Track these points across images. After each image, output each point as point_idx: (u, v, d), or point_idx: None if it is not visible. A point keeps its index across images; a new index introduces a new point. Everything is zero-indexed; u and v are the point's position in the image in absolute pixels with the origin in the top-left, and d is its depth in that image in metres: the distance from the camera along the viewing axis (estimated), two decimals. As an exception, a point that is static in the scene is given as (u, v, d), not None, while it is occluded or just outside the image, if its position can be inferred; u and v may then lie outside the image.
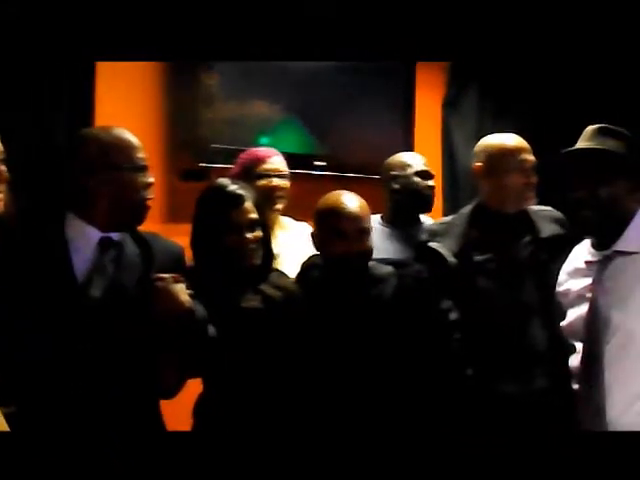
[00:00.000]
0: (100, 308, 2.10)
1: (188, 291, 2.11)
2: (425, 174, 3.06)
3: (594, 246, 2.20)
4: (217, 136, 3.37)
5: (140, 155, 2.16)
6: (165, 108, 3.49)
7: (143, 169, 2.16)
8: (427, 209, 2.98)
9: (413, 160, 3.12)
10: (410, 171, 3.07)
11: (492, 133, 3.04)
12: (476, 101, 4.30)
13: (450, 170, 4.22)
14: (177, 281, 2.09)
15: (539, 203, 2.67)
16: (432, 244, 2.70)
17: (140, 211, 2.18)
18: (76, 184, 2.14)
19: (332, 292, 2.41)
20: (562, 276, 2.33)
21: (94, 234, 2.11)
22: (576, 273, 2.26)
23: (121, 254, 2.18)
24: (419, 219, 3.07)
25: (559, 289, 2.32)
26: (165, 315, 2.09)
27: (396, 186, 2.96)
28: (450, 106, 4.27)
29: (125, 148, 2.15)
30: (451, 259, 2.58)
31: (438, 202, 3.99)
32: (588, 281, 2.16)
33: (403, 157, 3.14)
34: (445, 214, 3.96)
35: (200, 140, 3.36)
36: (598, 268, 2.15)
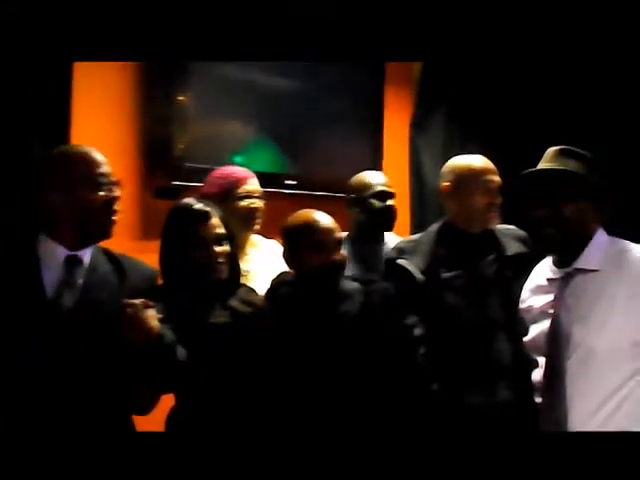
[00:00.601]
0: (69, 322, 2.10)
1: (158, 316, 2.13)
2: (383, 195, 3.09)
3: (555, 264, 2.24)
4: (191, 155, 3.34)
5: (103, 170, 2.15)
6: (140, 126, 3.43)
7: (106, 184, 2.15)
8: (387, 228, 3.01)
9: (372, 180, 3.15)
10: (368, 192, 3.11)
11: (458, 154, 3.07)
12: (443, 122, 4.35)
13: (417, 189, 4.25)
14: (147, 306, 2.11)
15: (503, 222, 2.70)
16: (400, 261, 2.73)
17: (104, 226, 2.18)
18: (42, 203, 2.15)
19: (301, 307, 2.44)
20: (525, 293, 2.37)
21: (61, 252, 2.13)
22: (538, 290, 2.31)
23: (92, 272, 2.19)
24: (382, 238, 3.10)
25: (522, 305, 2.35)
26: (134, 340, 2.10)
27: (356, 208, 3.01)
28: (417, 127, 4.30)
29: (86, 164, 2.15)
30: (419, 276, 2.63)
31: (405, 219, 4.14)
32: (550, 297, 2.19)
33: (363, 178, 3.18)
34: (412, 231, 4.00)
35: (174, 159, 3.31)
36: (560, 285, 2.19)
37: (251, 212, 2.88)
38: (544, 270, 2.33)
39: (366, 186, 3.13)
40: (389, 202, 3.10)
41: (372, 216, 2.92)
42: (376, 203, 3.08)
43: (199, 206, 2.33)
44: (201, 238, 2.28)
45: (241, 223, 2.76)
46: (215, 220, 2.31)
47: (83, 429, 2.12)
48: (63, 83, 3.07)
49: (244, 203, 2.87)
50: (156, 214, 3.01)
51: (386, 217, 3.04)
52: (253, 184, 2.94)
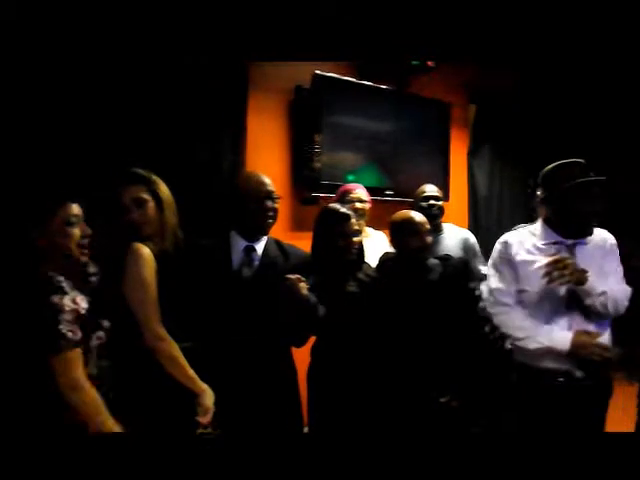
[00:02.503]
0: (247, 287, 2.49)
1: (307, 286, 2.39)
2: (428, 198, 3.44)
3: (563, 235, 2.47)
4: (323, 175, 3.70)
5: (268, 189, 2.51)
6: (291, 156, 3.81)
7: (269, 199, 2.51)
8: (430, 221, 2.86)
9: (424, 189, 3.50)
10: (419, 197, 3.48)
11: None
12: (489, 152, 4.71)
13: (473, 196, 4.62)
14: (299, 280, 2.38)
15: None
16: None
17: (262, 226, 2.54)
18: (236, 208, 2.55)
19: (399, 276, 2.65)
20: (526, 254, 2.50)
21: (242, 243, 2.54)
22: (541, 252, 2.48)
23: (266, 253, 2.55)
24: (436, 229, 3.31)
25: (532, 263, 2.46)
26: (290, 302, 2.37)
27: (415, 209, 3.11)
28: (472, 155, 4.70)
29: (257, 184, 2.52)
30: None
31: (465, 217, 4.52)
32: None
33: (418, 188, 3.53)
34: (470, 225, 4.51)
35: (313, 178, 3.69)
36: (569, 248, 2.46)
37: (356, 211, 2.98)
38: (529, 240, 2.54)
39: (418, 193, 3.52)
40: (432, 202, 3.43)
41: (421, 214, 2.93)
42: (422, 204, 3.42)
43: (343, 210, 2.60)
44: (345, 232, 2.53)
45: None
46: (353, 220, 2.57)
47: (263, 359, 2.46)
48: (240, 129, 3.49)
49: (352, 205, 3.16)
50: (303, 215, 3.72)
51: (430, 214, 3.17)
52: (357, 193, 3.31)
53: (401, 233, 2.68)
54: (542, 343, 2.44)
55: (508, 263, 2.57)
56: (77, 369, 1.85)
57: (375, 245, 3.19)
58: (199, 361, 2.26)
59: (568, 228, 2.51)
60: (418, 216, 2.70)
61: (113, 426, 1.86)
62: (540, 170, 2.61)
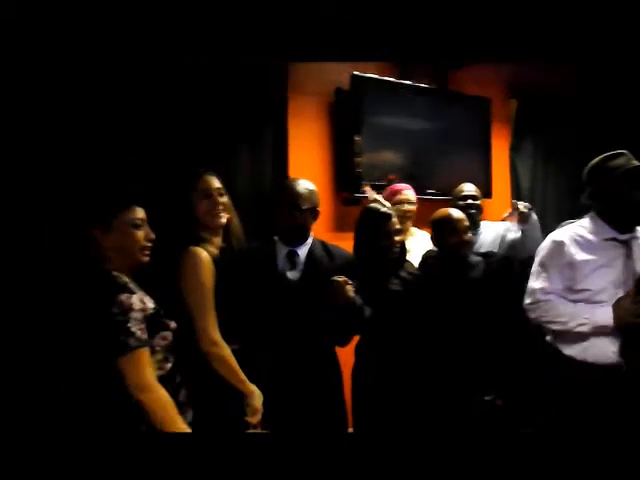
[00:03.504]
0: (292, 289, 2.52)
1: (352, 288, 2.42)
2: (466, 197, 3.45)
3: (617, 229, 2.43)
4: (364, 176, 3.66)
5: (297, 201, 2.51)
6: (332, 159, 3.84)
7: (298, 210, 2.51)
8: (468, 220, 2.92)
9: (462, 189, 3.51)
10: (457, 197, 3.48)
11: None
12: (530, 146, 4.65)
13: (516, 190, 4.57)
14: (346, 282, 2.41)
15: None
16: None
17: (295, 233, 2.57)
18: (277, 218, 2.60)
19: (442, 273, 2.71)
20: (584, 254, 2.43)
21: (285, 248, 2.58)
22: (598, 249, 2.43)
23: (311, 254, 2.58)
24: (474, 227, 3.28)
25: (591, 262, 2.41)
26: (337, 302, 2.39)
27: (453, 205, 3.26)
28: (514, 150, 4.64)
29: (299, 192, 2.53)
30: None
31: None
32: (614, 252, 2.41)
33: (459, 187, 3.53)
34: None
35: (354, 179, 3.66)
36: (625, 243, 2.43)
37: (402, 213, 3.17)
38: (591, 233, 2.48)
39: (456, 192, 3.52)
40: (469, 202, 3.41)
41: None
42: (459, 203, 3.38)
43: (385, 209, 2.63)
44: (387, 231, 2.55)
45: (401, 219, 2.96)
46: (395, 219, 2.60)
47: (307, 358, 2.50)
48: (281, 133, 3.49)
49: (398, 207, 3.19)
50: (345, 216, 3.66)
51: (468, 213, 3.12)
52: (405, 194, 3.35)
53: (440, 231, 2.75)
54: (585, 321, 2.38)
55: (561, 262, 2.50)
56: (146, 369, 1.86)
57: (420, 244, 3.20)
58: (247, 362, 2.31)
59: (621, 220, 2.47)
60: (456, 213, 2.77)
61: (182, 426, 1.87)
62: (586, 164, 2.58)
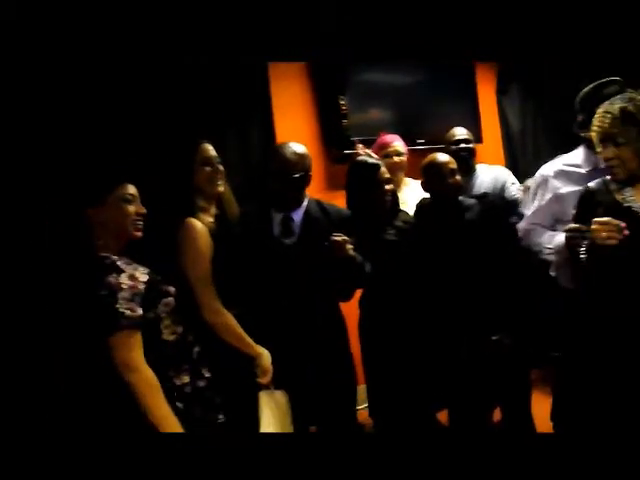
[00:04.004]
0: (291, 250, 2.50)
1: (351, 246, 2.38)
2: (458, 142, 3.43)
3: None
4: (352, 133, 3.74)
5: (289, 166, 2.47)
6: (320, 120, 3.88)
7: (291, 175, 2.48)
8: (463, 163, 3.09)
9: (453, 133, 3.49)
10: (450, 141, 3.46)
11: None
12: (518, 88, 4.63)
13: (505, 133, 4.59)
14: (345, 241, 2.36)
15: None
16: None
17: (290, 197, 2.54)
18: (272, 187, 2.57)
19: (437, 218, 2.73)
20: (572, 185, 2.43)
21: (279, 215, 2.55)
22: (587, 180, 2.32)
23: (308, 214, 2.55)
24: (469, 169, 3.35)
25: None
26: (338, 260, 2.38)
27: (446, 150, 3.22)
28: (501, 93, 4.64)
29: (289, 159, 2.48)
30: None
31: (500, 153, 4.51)
32: None
33: (450, 132, 3.51)
34: (506, 161, 4.48)
35: (342, 136, 3.73)
36: None
37: (392, 165, 3.14)
38: (581, 164, 2.49)
39: (448, 137, 3.49)
40: (462, 146, 3.40)
41: (454, 156, 2.93)
42: (452, 148, 3.36)
43: (372, 160, 2.68)
44: (377, 181, 2.60)
45: (392, 170, 3.00)
46: (384, 168, 2.66)
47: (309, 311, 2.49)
48: (265, 92, 3.52)
49: (388, 160, 3.17)
50: (337, 174, 3.59)
51: (460, 156, 3.22)
52: (394, 146, 3.30)
53: (428, 176, 2.75)
54: (550, 249, 2.42)
55: (547, 196, 2.52)
56: (135, 349, 1.87)
57: (415, 194, 3.18)
58: (250, 325, 2.32)
59: None
60: (442, 157, 2.76)
61: (167, 412, 1.87)
62: (577, 94, 2.57)
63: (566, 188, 2.49)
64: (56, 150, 2.57)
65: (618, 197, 2.11)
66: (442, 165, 2.72)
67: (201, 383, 2.05)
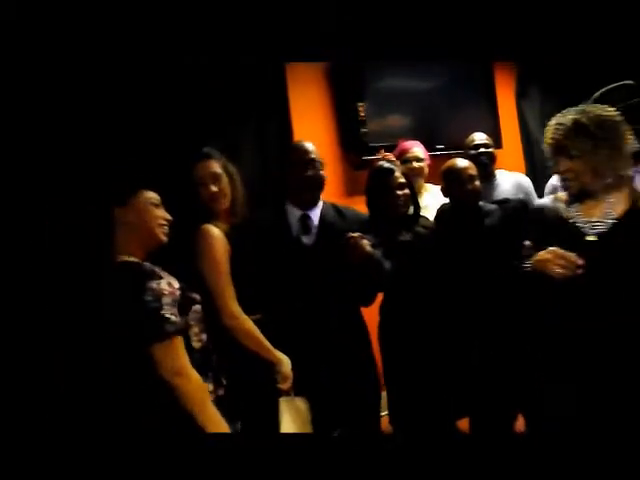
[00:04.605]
0: (308, 252, 2.54)
1: (369, 244, 2.41)
2: (477, 147, 3.44)
3: None
4: (370, 139, 3.72)
5: (308, 157, 2.58)
6: (339, 126, 3.88)
7: (311, 166, 2.57)
8: (482, 168, 3.06)
9: (472, 138, 3.50)
10: (469, 146, 3.47)
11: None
12: (538, 91, 4.57)
13: (526, 140, 4.54)
14: (362, 238, 2.40)
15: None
16: None
17: (311, 191, 2.61)
18: (286, 182, 2.65)
19: (457, 224, 2.72)
20: None
21: (297, 212, 2.61)
22: None
23: (324, 218, 2.59)
24: (488, 176, 3.35)
25: None
26: (354, 260, 2.38)
27: (465, 156, 3.20)
28: (520, 96, 4.59)
29: (299, 155, 2.59)
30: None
31: (520, 159, 4.57)
32: None
33: (469, 137, 3.53)
34: (526, 167, 4.45)
35: (361, 142, 3.72)
36: None
37: (411, 171, 3.17)
38: None
39: (467, 143, 3.51)
40: (481, 150, 3.41)
41: (473, 161, 2.93)
42: (471, 153, 3.39)
43: (387, 165, 2.69)
44: (389, 186, 2.61)
45: (412, 176, 2.93)
46: (397, 173, 2.63)
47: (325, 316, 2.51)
48: (283, 98, 3.56)
49: (407, 165, 3.23)
50: (357, 180, 3.64)
51: (479, 161, 3.23)
52: (414, 152, 3.34)
53: (448, 182, 2.74)
54: None
55: None
56: (182, 354, 1.84)
57: (435, 199, 3.19)
58: (271, 331, 2.31)
59: None
60: (461, 162, 2.74)
61: (213, 410, 1.86)
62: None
63: None
64: (80, 151, 2.58)
65: (564, 213, 2.10)
66: (461, 170, 2.71)
67: (220, 391, 2.01)
